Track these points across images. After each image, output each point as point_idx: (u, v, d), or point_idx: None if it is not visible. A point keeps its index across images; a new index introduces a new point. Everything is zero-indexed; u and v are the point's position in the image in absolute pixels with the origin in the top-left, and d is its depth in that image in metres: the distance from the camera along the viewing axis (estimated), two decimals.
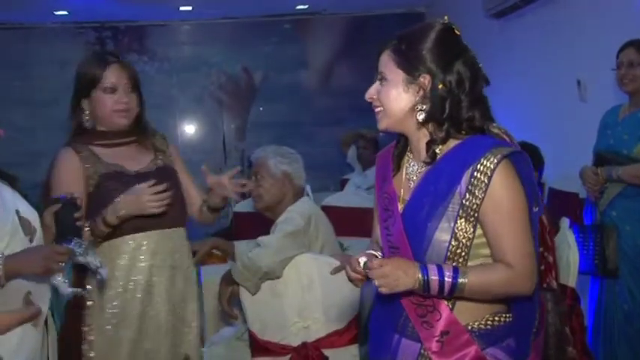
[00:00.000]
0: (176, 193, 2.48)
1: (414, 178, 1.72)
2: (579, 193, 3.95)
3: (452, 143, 1.67)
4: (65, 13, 7.25)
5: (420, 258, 1.64)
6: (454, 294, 1.58)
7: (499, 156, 1.58)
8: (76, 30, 7.80)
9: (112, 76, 2.41)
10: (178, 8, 7.37)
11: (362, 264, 1.61)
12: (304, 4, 7.39)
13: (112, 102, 2.40)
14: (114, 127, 2.45)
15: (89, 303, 2.35)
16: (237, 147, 7.92)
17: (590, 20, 4.77)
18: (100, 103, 2.41)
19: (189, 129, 7.96)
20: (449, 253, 1.61)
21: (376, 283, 1.57)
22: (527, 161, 1.66)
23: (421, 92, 1.66)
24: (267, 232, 4.77)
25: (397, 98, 1.68)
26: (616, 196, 3.23)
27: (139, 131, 2.52)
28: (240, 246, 3.15)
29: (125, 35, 7.93)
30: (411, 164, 1.75)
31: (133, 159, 2.48)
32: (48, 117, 7.72)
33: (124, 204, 2.30)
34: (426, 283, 1.56)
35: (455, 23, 1.73)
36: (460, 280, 1.56)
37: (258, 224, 5.12)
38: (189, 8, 7.35)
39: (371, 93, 1.73)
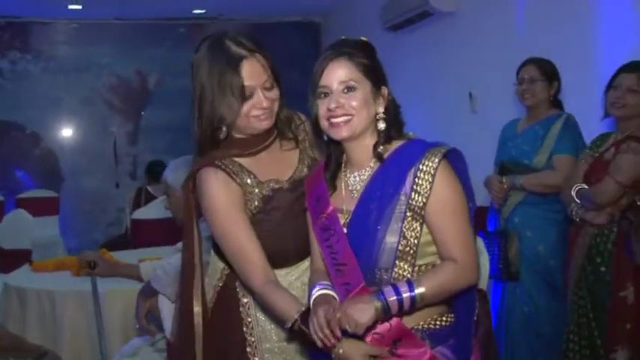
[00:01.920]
0: None
1: (358, 187, 1.77)
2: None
3: (392, 146, 1.75)
4: None
5: (369, 269, 1.68)
6: (416, 306, 1.63)
7: (439, 155, 1.67)
8: None
9: (246, 77, 1.85)
10: (67, 6, 7.06)
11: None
12: (201, 9, 7.31)
13: (248, 108, 1.87)
14: (253, 131, 1.95)
15: (252, 340, 1.99)
16: (128, 152, 7.70)
17: (480, 37, 5.05)
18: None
19: (77, 132, 7.65)
20: (398, 253, 1.66)
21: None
22: (462, 158, 1.75)
23: (383, 102, 1.76)
24: (166, 239, 4.68)
25: (369, 107, 1.73)
26: (518, 203, 3.40)
27: (280, 125, 2.01)
28: (145, 267, 3.13)
29: (6, 31, 7.52)
30: (351, 176, 1.79)
31: (281, 162, 2.01)
32: None
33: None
34: (386, 307, 1.60)
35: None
36: (417, 292, 1.61)
37: (156, 231, 5.03)
38: (79, 7, 7.07)
39: (340, 102, 1.72)
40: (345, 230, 1.75)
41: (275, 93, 1.92)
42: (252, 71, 1.86)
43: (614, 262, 2.94)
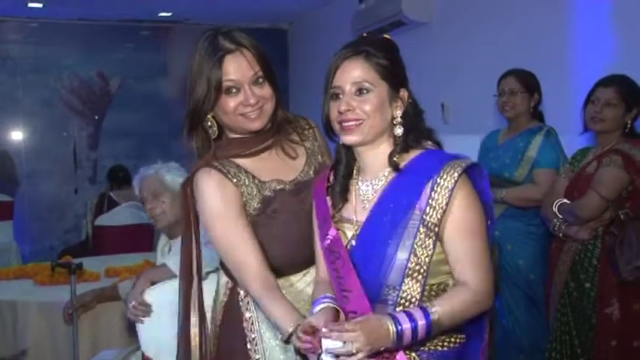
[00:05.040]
0: None
1: (370, 197, 1.66)
2: None
3: (409, 155, 1.64)
4: None
5: (375, 287, 1.58)
6: (431, 334, 1.53)
7: (459, 169, 1.56)
8: None
9: (230, 71, 1.76)
10: (27, 4, 6.82)
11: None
12: (168, 12, 7.15)
13: (235, 104, 1.78)
14: (245, 132, 1.86)
15: (257, 357, 1.86)
16: (89, 156, 7.45)
17: (454, 48, 5.03)
18: (222, 107, 1.80)
19: (35, 134, 7.33)
20: (407, 271, 1.56)
21: (351, 347, 1.47)
22: (483, 174, 1.65)
23: (401, 106, 1.64)
24: (131, 246, 4.54)
25: (383, 111, 1.62)
26: (499, 216, 3.34)
27: (278, 127, 1.90)
28: (125, 287, 2.97)
29: None
30: (363, 185, 1.69)
31: (285, 165, 1.89)
32: None
33: None
34: (400, 335, 1.49)
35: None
36: (432, 318, 1.51)
37: (121, 238, 4.89)
38: (40, 5, 6.84)
39: (352, 105, 1.61)
40: (353, 242, 1.65)
41: (266, 90, 1.81)
42: (237, 66, 1.76)
43: (598, 278, 2.91)
